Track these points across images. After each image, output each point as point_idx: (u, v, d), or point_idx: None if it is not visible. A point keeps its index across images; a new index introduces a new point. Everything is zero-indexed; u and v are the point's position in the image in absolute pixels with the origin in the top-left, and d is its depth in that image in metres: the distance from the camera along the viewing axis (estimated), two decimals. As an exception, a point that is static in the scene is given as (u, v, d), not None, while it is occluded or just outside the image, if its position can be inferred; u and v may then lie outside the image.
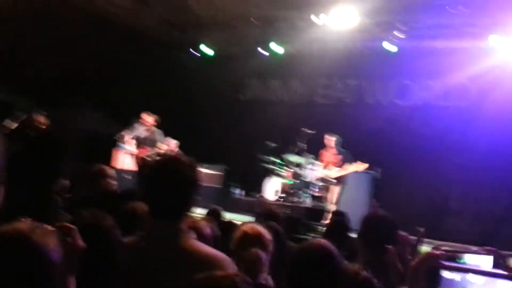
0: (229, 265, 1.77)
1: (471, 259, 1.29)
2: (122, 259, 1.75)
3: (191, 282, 1.29)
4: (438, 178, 8.98)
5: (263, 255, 2.50)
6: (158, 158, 2.32)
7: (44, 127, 8.51)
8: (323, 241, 2.35)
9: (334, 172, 7.62)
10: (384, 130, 10.17)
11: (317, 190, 8.22)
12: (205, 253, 1.79)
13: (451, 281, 0.81)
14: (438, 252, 0.87)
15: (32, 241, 1.14)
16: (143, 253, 1.76)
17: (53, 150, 2.68)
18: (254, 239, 2.62)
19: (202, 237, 2.54)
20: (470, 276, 0.82)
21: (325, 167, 7.80)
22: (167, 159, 2.03)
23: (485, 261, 1.31)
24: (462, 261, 1.27)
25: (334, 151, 7.74)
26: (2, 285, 1.10)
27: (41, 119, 8.65)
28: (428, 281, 0.84)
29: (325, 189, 7.63)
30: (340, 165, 7.63)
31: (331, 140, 7.79)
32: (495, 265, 1.26)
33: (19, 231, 1.16)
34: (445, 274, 0.83)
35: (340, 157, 7.66)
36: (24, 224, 1.19)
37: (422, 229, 3.40)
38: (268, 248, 2.63)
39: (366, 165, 7.61)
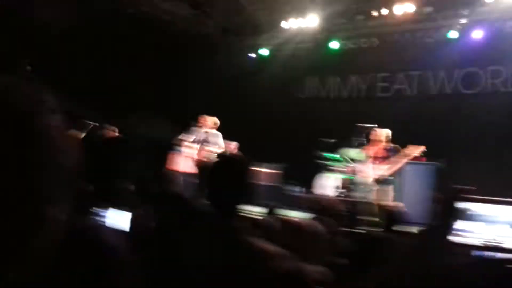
0: (288, 260, 1.80)
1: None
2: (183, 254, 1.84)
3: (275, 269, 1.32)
4: (505, 167, 8.47)
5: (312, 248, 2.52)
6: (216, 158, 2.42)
7: (113, 134, 9.06)
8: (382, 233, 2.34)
9: (384, 171, 7.36)
10: (450, 120, 9.79)
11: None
12: (263, 248, 1.84)
13: (466, 210, 0.84)
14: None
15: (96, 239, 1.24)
16: (203, 248, 1.84)
17: (118, 153, 2.84)
18: (306, 233, 2.66)
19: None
20: (482, 206, 0.84)
21: (373, 162, 7.56)
22: (221, 159, 2.13)
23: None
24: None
25: (383, 146, 7.50)
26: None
27: (112, 129, 9.22)
28: (446, 210, 0.86)
29: (379, 189, 7.44)
30: (388, 160, 7.37)
31: (379, 134, 7.55)
32: None
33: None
34: (461, 204, 0.85)
35: (388, 153, 7.41)
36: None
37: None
38: (320, 242, 2.65)
39: (421, 148, 7.22)
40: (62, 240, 0.87)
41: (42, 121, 0.60)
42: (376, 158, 7.65)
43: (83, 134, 8.76)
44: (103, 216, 1.69)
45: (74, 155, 0.65)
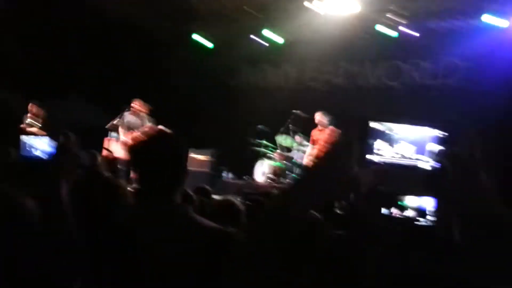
0: (230, 237, 1.74)
1: (412, 201, 1.33)
2: (121, 238, 1.72)
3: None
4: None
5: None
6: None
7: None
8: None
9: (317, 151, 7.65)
10: (376, 110, 10.20)
11: None
12: (207, 225, 1.79)
13: (377, 130, 0.87)
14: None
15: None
16: (142, 230, 1.73)
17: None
18: (226, 209, 2.72)
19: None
20: (394, 126, 0.88)
21: (313, 144, 7.85)
22: (151, 135, 1.98)
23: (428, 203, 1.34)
24: (402, 203, 1.31)
25: (319, 127, 7.79)
26: None
27: (34, 108, 8.79)
28: (359, 131, 0.89)
29: None
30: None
31: (316, 117, 7.84)
32: (438, 208, 1.31)
33: None
34: (372, 124, 0.88)
35: (324, 135, 7.71)
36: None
37: None
38: (240, 219, 2.72)
39: None
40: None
41: None
42: (313, 141, 7.91)
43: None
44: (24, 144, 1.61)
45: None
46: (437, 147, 0.84)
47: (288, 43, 11.50)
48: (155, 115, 8.79)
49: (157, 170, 1.81)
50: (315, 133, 8.04)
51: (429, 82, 10.26)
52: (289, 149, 9.50)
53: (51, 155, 1.56)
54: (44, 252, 1.30)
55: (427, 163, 0.86)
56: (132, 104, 8.41)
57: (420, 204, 1.34)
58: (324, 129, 7.87)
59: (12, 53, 9.63)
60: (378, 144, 0.88)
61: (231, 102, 11.71)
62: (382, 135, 0.87)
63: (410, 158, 0.89)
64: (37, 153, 1.60)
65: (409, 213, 1.36)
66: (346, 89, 11.22)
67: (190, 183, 8.34)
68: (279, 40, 11.58)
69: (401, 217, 1.34)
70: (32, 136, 1.59)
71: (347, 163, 0.90)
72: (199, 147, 9.55)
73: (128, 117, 8.38)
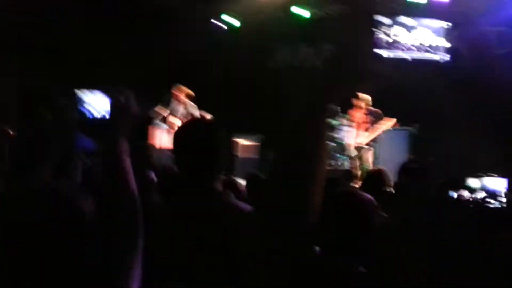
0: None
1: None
2: (160, 219, 1.78)
3: None
4: (479, 133, 8.55)
5: None
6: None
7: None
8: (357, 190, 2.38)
9: (364, 138, 7.77)
10: (422, 84, 9.85)
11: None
12: (243, 208, 1.82)
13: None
14: None
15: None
16: (180, 212, 1.80)
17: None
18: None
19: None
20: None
21: (357, 128, 7.92)
22: (187, 122, 2.05)
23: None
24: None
25: (364, 111, 7.80)
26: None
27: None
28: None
29: (359, 156, 7.84)
30: (370, 125, 7.76)
31: (360, 100, 7.83)
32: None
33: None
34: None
35: (370, 117, 7.76)
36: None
37: None
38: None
39: (393, 121, 7.74)
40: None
41: None
42: (358, 124, 7.94)
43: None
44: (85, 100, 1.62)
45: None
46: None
47: (327, 21, 11.22)
48: (198, 102, 8.82)
49: (192, 156, 1.84)
50: (355, 115, 8.03)
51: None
52: (334, 130, 9.41)
53: (109, 113, 1.50)
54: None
55: None
56: (172, 91, 8.49)
57: (488, 186, 1.31)
58: (362, 111, 7.89)
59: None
60: (395, 30, 0.85)
61: (273, 85, 11.60)
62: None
63: (429, 47, 0.85)
64: (93, 110, 1.58)
65: (479, 195, 1.34)
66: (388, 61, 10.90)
67: (239, 169, 8.45)
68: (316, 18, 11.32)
69: (472, 199, 1.33)
70: (87, 91, 1.58)
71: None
72: (246, 132, 9.58)
73: (173, 105, 8.48)
